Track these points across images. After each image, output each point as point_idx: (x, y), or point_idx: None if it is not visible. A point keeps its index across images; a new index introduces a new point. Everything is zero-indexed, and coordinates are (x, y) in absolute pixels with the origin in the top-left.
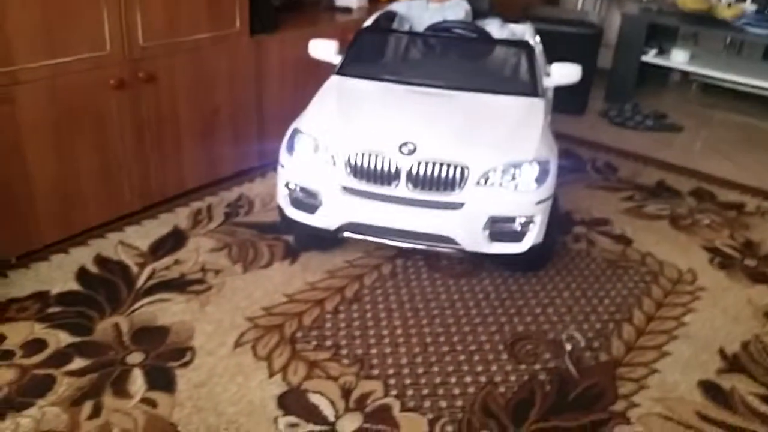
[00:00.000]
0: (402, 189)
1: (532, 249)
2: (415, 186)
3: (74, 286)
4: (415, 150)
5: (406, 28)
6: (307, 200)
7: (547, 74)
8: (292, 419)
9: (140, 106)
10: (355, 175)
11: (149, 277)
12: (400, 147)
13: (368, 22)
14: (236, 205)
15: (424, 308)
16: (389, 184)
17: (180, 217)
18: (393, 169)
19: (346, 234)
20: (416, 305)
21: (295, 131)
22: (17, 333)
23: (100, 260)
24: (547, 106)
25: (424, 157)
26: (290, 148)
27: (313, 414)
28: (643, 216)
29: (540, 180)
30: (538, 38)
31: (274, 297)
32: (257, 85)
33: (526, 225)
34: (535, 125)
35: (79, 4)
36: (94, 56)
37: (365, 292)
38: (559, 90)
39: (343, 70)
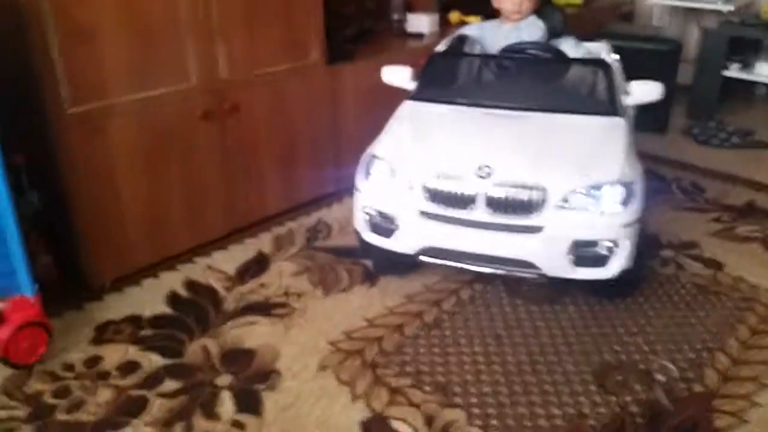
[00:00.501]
0: (479, 213)
1: (621, 274)
2: (493, 210)
3: (165, 309)
4: (491, 173)
5: (477, 50)
6: (385, 225)
7: (627, 92)
8: None
9: (225, 135)
10: (432, 200)
11: (236, 301)
12: (477, 170)
13: (440, 47)
14: (315, 230)
15: (507, 335)
16: (466, 208)
17: (263, 241)
18: (470, 193)
19: (424, 258)
20: (497, 331)
21: (371, 157)
22: (113, 354)
23: (190, 284)
24: (629, 125)
25: (501, 180)
26: (366, 174)
27: None
28: (733, 238)
29: (626, 202)
30: (616, 56)
31: (354, 321)
32: (334, 112)
33: (612, 249)
34: (616, 145)
35: (165, 39)
36: (180, 89)
37: (444, 317)
38: (640, 108)
39: (416, 95)
